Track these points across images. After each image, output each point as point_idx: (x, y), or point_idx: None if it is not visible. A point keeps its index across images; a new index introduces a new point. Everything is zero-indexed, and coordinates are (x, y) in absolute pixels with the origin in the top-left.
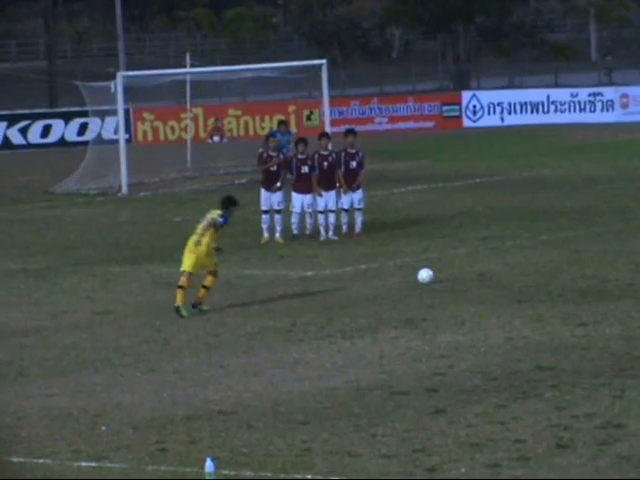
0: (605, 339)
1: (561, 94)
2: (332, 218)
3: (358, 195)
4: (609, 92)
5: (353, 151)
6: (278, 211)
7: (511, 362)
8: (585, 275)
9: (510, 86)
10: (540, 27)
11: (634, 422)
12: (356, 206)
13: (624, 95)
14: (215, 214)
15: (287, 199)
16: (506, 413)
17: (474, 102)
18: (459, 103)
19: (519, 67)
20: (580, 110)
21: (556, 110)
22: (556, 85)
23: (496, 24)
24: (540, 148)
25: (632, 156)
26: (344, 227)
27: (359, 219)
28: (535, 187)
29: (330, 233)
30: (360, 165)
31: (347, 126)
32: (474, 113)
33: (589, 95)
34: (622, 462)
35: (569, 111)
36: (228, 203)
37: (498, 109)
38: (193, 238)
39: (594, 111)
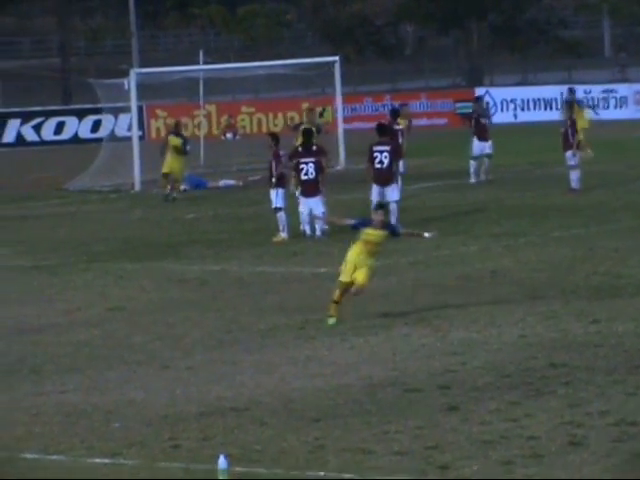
0: (619, 336)
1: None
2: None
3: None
4: (623, 89)
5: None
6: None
7: (524, 359)
8: (598, 272)
9: (523, 83)
10: (553, 24)
11: None
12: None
13: (638, 92)
14: None
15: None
16: (519, 410)
17: (487, 99)
18: (472, 100)
19: (532, 64)
20: (594, 107)
21: None
22: (570, 82)
23: (509, 21)
24: (553, 145)
25: None
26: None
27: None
28: (548, 184)
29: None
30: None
31: (361, 123)
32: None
33: (603, 92)
34: (636, 459)
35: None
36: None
37: (511, 106)
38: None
39: (608, 108)
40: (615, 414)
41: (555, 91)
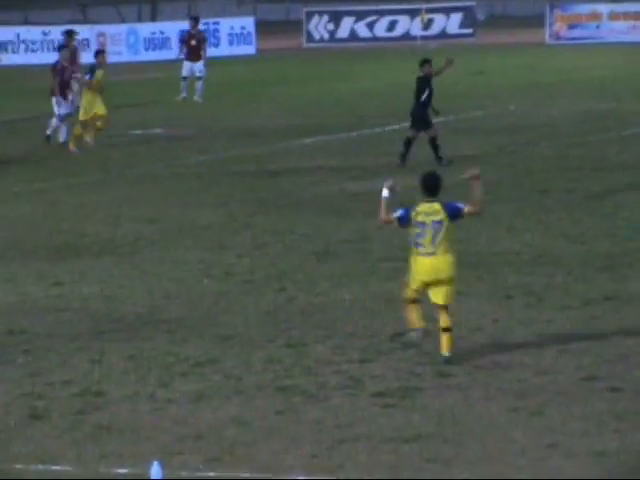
0: (83, 299)
1: (32, 33)
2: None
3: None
4: (85, 31)
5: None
6: None
7: None
8: (61, 230)
9: None
10: None
11: (114, 389)
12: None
13: (101, 34)
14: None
15: None
16: None
17: None
18: None
19: None
20: (54, 49)
21: (27, 50)
22: (26, 23)
23: None
24: (13, 90)
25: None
26: None
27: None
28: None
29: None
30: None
31: None
32: None
33: (62, 34)
34: (101, 432)
35: (42, 50)
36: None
37: None
38: None
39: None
40: (79, 384)
41: (11, 33)
